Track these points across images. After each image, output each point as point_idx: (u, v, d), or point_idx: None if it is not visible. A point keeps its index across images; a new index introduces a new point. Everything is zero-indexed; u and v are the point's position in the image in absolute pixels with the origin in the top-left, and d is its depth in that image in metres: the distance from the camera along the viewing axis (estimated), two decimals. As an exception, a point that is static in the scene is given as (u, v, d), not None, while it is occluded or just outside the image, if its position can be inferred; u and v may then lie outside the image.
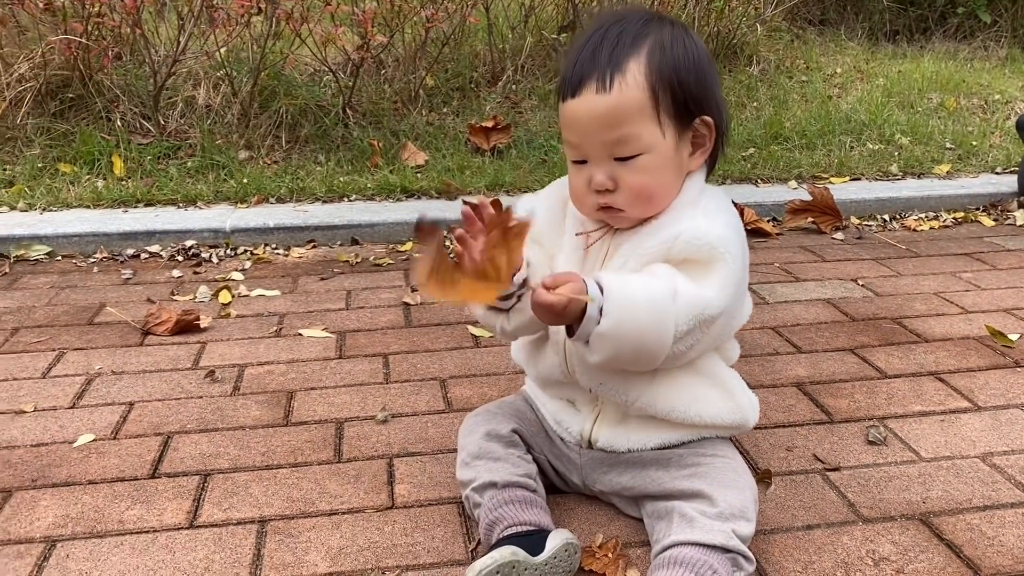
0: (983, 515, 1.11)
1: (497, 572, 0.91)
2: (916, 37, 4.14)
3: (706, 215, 0.99)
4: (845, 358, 1.58)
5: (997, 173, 2.73)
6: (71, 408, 1.41)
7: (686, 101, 0.97)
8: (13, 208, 2.30)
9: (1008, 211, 2.50)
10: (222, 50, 2.81)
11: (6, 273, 2.05)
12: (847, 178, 2.66)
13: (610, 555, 1.02)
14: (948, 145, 2.94)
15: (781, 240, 2.30)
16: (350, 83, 2.88)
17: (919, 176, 2.70)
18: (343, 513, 1.12)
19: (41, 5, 2.58)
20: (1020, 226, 2.41)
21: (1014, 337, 1.64)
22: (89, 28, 2.62)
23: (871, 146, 2.90)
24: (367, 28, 2.73)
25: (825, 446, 1.29)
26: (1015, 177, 2.62)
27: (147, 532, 1.08)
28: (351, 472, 1.21)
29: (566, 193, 1.06)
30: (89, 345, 1.64)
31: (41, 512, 1.12)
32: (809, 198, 2.39)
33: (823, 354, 1.60)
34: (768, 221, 2.38)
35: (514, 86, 3.24)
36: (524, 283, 0.98)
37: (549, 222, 1.08)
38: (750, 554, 0.96)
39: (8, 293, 1.92)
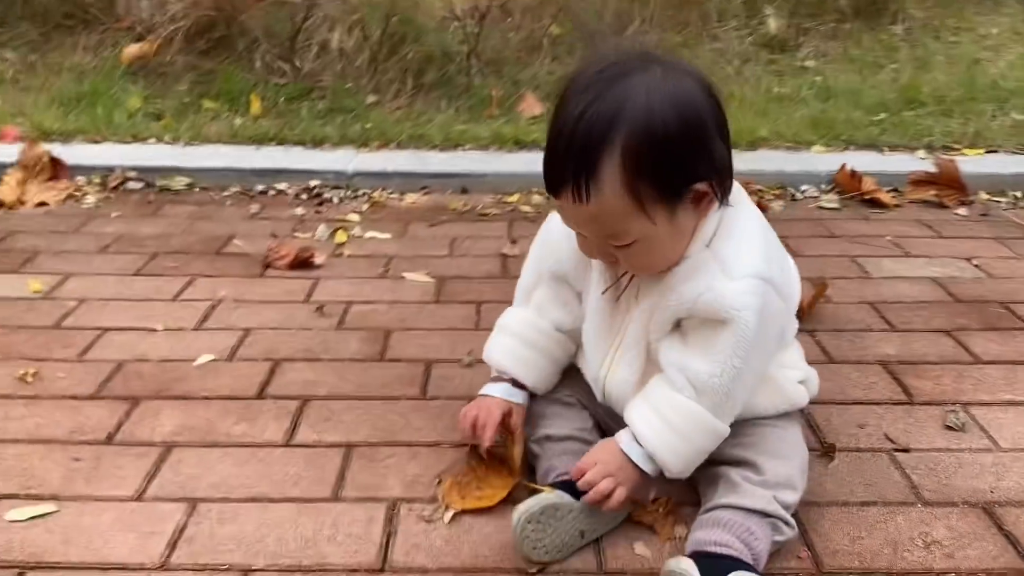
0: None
1: (541, 512, 0.98)
2: (1091, -4, 3.80)
3: (725, 271, 0.97)
4: (940, 339, 1.55)
5: None
6: (195, 330, 1.57)
7: (672, 181, 0.93)
8: (160, 140, 2.51)
9: None
10: (357, -5, 2.92)
11: (151, 201, 2.26)
12: (982, 150, 2.52)
13: (660, 510, 1.07)
14: (1106, 118, 2.72)
15: (899, 212, 2.22)
16: (476, 31, 2.94)
17: (1065, 151, 2.52)
18: (421, 445, 1.22)
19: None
20: None
21: None
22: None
23: (1016, 116, 2.72)
24: (495, -24, 2.77)
25: (899, 427, 1.28)
26: None
27: (248, 446, 1.22)
28: (434, 409, 1.31)
29: None
30: (217, 273, 1.81)
31: (163, 420, 1.28)
32: (934, 170, 2.29)
33: (917, 334, 1.57)
34: (888, 192, 2.30)
35: (641, 37, 3.21)
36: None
37: (575, 261, 1.10)
38: (791, 520, 0.99)
39: (151, 220, 2.12)
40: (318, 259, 1.86)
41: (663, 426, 0.99)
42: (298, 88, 2.81)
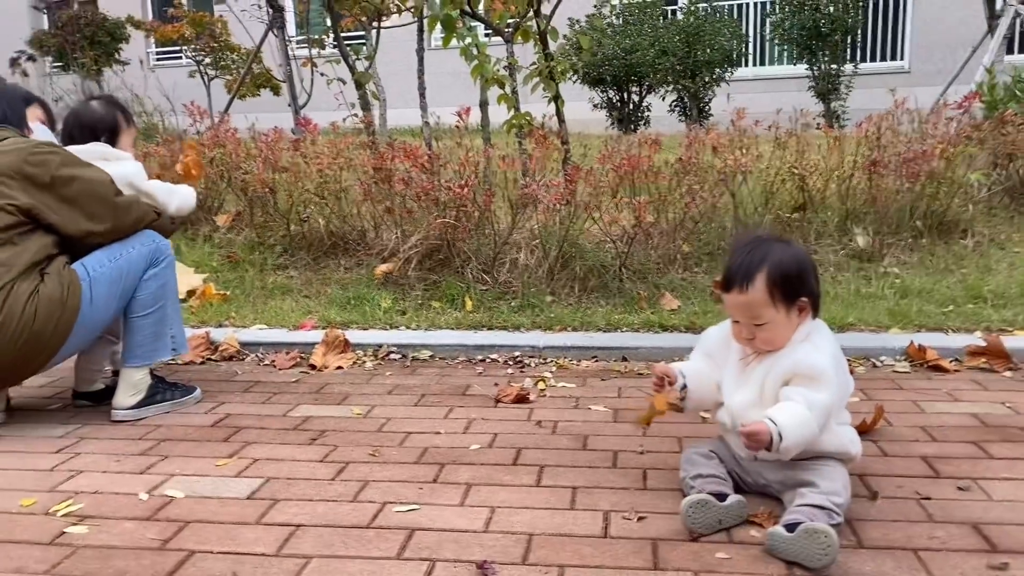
0: (1020, 528, 1.79)
1: (697, 503, 1.78)
2: None
3: (814, 348, 1.86)
4: (967, 446, 2.26)
5: None
6: (463, 433, 2.48)
7: (790, 292, 1.87)
8: (408, 328, 3.57)
9: None
10: (538, 227, 4.02)
11: (407, 366, 3.26)
12: (1031, 331, 3.22)
13: (762, 515, 1.85)
14: None
15: (956, 376, 2.93)
16: (626, 249, 3.95)
17: (1103, 332, 3.18)
18: (619, 490, 2.04)
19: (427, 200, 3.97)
20: None
21: (1112, 444, 2.22)
22: (457, 214, 3.95)
23: (1063, 306, 3.42)
24: (641, 212, 3.82)
25: (925, 487, 2.00)
26: None
27: (507, 486, 2.08)
28: (624, 473, 2.14)
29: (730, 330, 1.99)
30: (466, 405, 2.74)
31: (462, 475, 2.16)
32: (984, 343, 3.02)
33: (951, 443, 2.29)
34: (950, 361, 3.03)
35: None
36: (684, 387, 2.00)
37: (721, 345, 2.02)
38: (840, 512, 1.75)
39: (412, 376, 3.11)
40: (531, 397, 2.77)
41: (792, 420, 1.78)
42: (497, 291, 3.86)
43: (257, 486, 2.12)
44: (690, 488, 1.92)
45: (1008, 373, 2.93)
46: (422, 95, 5.21)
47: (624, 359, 3.22)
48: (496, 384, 2.94)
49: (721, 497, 1.83)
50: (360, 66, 5.55)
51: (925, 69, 11.38)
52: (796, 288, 1.89)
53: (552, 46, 4.57)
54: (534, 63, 4.52)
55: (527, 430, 2.49)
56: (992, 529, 1.79)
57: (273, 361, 3.30)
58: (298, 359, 3.29)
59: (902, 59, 12.15)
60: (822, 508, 1.74)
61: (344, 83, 5.39)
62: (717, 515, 1.80)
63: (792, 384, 1.84)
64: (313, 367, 3.22)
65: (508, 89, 4.69)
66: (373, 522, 1.91)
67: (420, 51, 5.42)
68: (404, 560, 1.74)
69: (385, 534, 1.85)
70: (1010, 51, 8.27)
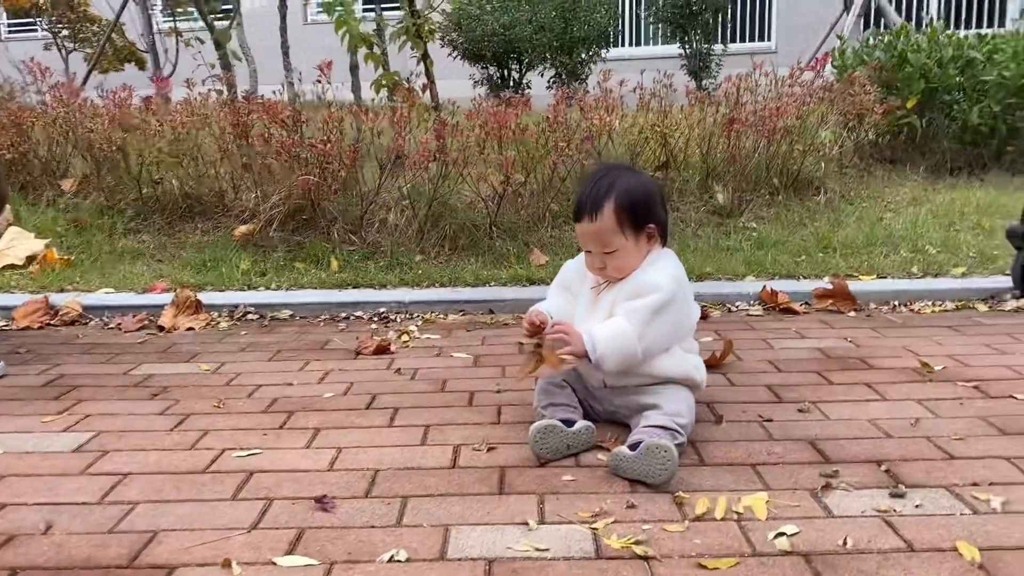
0: (853, 441, 1.86)
1: (544, 428, 1.76)
2: (975, 171, 4.81)
3: (657, 269, 1.88)
4: (810, 375, 2.34)
5: (1006, 275, 3.36)
6: (318, 383, 2.39)
7: (637, 219, 1.87)
8: (268, 288, 3.43)
9: (1003, 301, 3.14)
10: (407, 186, 3.94)
11: (266, 326, 3.13)
12: (875, 276, 3.39)
13: (610, 440, 1.85)
14: (971, 254, 3.60)
15: (806, 317, 3.05)
16: (495, 208, 3.93)
17: (936, 276, 3.38)
18: (472, 425, 2.01)
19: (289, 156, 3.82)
20: (1006, 311, 3.05)
21: (938, 368, 2.35)
22: (321, 172, 3.82)
23: (903, 254, 3.61)
24: (508, 170, 3.79)
25: (768, 410, 2.06)
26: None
27: (368, 428, 2.01)
28: (479, 411, 2.11)
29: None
30: (324, 359, 2.65)
31: (311, 420, 2.08)
32: (830, 287, 3.15)
33: (795, 373, 2.37)
34: (800, 304, 3.14)
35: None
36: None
37: (577, 276, 2.01)
38: (682, 432, 1.77)
39: (270, 335, 2.99)
40: (393, 348, 2.70)
41: (606, 331, 1.81)
42: (364, 252, 3.76)
43: (85, 440, 1.97)
44: (541, 417, 1.91)
45: (853, 313, 3.06)
46: (285, 54, 5.02)
47: (491, 311, 3.20)
48: (358, 338, 2.86)
49: (569, 423, 1.82)
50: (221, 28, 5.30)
51: (790, 49, 11.82)
52: (644, 215, 1.89)
53: (419, 2, 4.48)
54: (401, 21, 4.42)
55: (385, 378, 2.43)
56: (827, 444, 1.85)
57: (119, 324, 3.10)
58: (146, 321, 3.11)
59: (769, 39, 12.62)
60: (665, 428, 1.75)
61: (203, 43, 5.13)
62: (565, 440, 1.79)
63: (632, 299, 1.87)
64: (162, 328, 3.05)
65: (377, 49, 4.58)
66: (209, 467, 1.80)
67: (283, 7, 5.21)
68: (239, 501, 1.65)
69: (221, 478, 1.75)
70: (865, 26, 8.70)
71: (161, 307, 3.17)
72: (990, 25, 11.20)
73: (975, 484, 1.63)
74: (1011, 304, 3.10)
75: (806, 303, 3.18)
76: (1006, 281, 3.26)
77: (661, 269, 1.89)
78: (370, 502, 1.63)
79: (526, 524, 1.52)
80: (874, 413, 2.03)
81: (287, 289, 3.42)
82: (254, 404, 2.22)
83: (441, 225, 3.87)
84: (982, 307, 3.10)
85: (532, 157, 3.98)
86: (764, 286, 3.20)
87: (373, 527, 1.53)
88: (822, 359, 2.50)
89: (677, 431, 1.76)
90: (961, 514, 1.51)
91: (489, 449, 1.86)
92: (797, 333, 2.81)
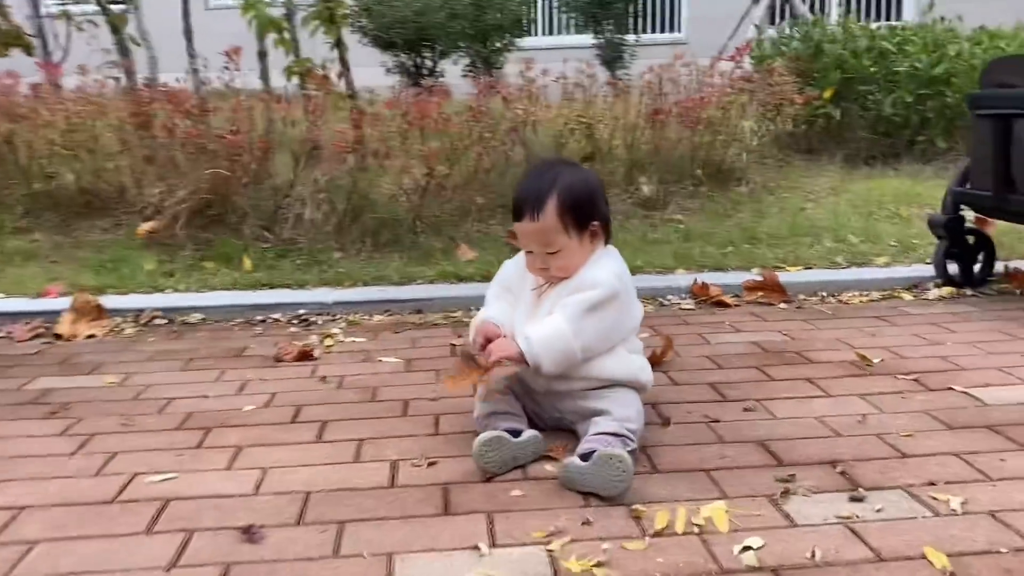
0: (803, 442, 1.81)
1: (490, 440, 1.65)
2: (889, 161, 4.93)
3: (599, 268, 1.79)
4: (750, 371, 2.30)
5: (927, 263, 3.43)
6: (236, 395, 2.21)
7: (581, 217, 1.78)
8: (176, 290, 3.20)
9: (926, 289, 3.20)
10: (324, 179, 3.75)
11: (175, 331, 2.91)
12: (801, 267, 3.40)
13: (559, 449, 1.75)
14: (892, 243, 3.66)
15: (737, 310, 3.03)
16: (419, 202, 3.78)
17: (860, 265, 3.42)
18: (408, 437, 1.88)
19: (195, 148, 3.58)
20: (931, 299, 3.09)
21: (876, 360, 2.34)
22: (230, 164, 3.60)
23: (827, 244, 3.65)
24: (431, 162, 3.65)
25: (714, 411, 2.00)
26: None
27: (295, 444, 1.86)
28: (415, 421, 1.98)
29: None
30: (241, 367, 2.46)
31: (231, 437, 1.91)
32: (760, 279, 3.14)
33: (735, 369, 2.32)
34: (731, 297, 3.12)
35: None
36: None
37: (518, 277, 1.90)
38: (633, 437, 1.68)
39: (181, 341, 2.77)
40: (316, 354, 2.54)
41: (541, 331, 1.72)
42: (280, 250, 3.56)
43: (-28, 469, 1.76)
44: (484, 427, 1.79)
45: (783, 305, 3.06)
46: (188, 39, 4.73)
47: (419, 311, 3.06)
48: (277, 344, 2.68)
49: (515, 433, 1.71)
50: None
51: (701, 40, 11.95)
52: (588, 212, 1.80)
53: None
54: (313, 5, 4.21)
55: (310, 387, 2.27)
56: (778, 444, 1.80)
57: (10, 333, 2.83)
58: (41, 329, 2.85)
59: (679, 31, 12.77)
60: (616, 435, 1.66)
61: (97, 27, 4.79)
62: (512, 452, 1.68)
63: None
64: (59, 337, 2.79)
65: (287, 35, 4.35)
66: (119, 496, 1.62)
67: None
68: (155, 534, 1.48)
69: (133, 507, 1.58)
70: (772, 21, 8.86)
71: (58, 313, 2.90)
72: (888, 18, 11.61)
73: (931, 483, 1.60)
74: (934, 293, 3.15)
75: (736, 295, 3.16)
76: (928, 269, 3.31)
77: (604, 267, 1.80)
78: (303, 530, 1.48)
79: (477, 548, 1.40)
80: (820, 410, 2.00)
81: (197, 290, 3.20)
82: (166, 420, 2.03)
83: (362, 220, 3.70)
84: (907, 296, 3.14)
85: (455, 148, 3.85)
86: (695, 279, 3.16)
87: (309, 559, 1.39)
88: (760, 353, 2.47)
89: (628, 437, 1.68)
90: (923, 517, 1.47)
91: (429, 464, 1.73)
92: (732, 327, 2.78)
